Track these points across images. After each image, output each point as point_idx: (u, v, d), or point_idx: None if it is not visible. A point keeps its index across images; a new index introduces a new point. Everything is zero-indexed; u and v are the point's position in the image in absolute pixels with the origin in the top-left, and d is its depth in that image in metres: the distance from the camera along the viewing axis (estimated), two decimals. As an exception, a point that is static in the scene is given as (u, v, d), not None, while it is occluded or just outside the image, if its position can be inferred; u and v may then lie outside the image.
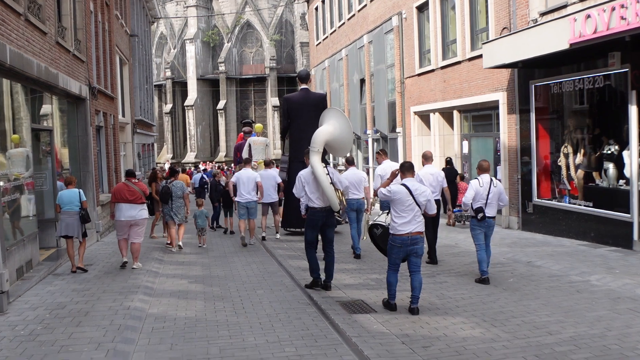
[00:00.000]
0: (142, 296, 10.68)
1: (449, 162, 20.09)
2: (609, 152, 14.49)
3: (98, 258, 14.96)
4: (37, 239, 13.59)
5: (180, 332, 8.50)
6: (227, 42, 71.16)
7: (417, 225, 9.05)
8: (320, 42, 41.44)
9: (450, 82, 21.94)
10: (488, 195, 10.82)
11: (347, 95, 34.90)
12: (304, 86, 17.64)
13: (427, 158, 13.26)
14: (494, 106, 19.21)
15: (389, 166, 13.25)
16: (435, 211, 9.59)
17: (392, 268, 9.32)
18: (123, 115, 29.54)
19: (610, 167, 14.50)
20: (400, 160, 26.24)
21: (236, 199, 16.85)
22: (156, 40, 73.54)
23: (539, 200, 17.01)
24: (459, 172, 20.47)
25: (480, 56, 19.09)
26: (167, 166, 48.97)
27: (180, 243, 16.50)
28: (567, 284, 10.66)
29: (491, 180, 10.97)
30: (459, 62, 21.33)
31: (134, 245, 13.60)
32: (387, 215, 9.78)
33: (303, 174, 10.93)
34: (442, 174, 13.27)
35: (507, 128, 18.30)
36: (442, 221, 16.58)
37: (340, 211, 11.56)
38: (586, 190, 15.43)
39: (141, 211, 13.67)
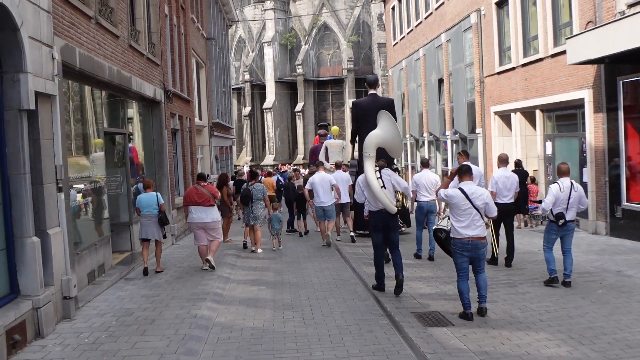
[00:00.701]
0: (210, 303, 10.40)
1: (518, 164, 19.15)
2: None
3: (171, 262, 14.83)
4: (109, 242, 13.54)
5: (246, 344, 8.15)
6: (305, 44, 71.25)
7: (477, 230, 8.91)
8: (397, 42, 40.80)
9: (532, 81, 21.06)
10: (569, 200, 10.55)
11: (424, 96, 34.18)
12: (372, 91, 17.74)
13: (502, 161, 13.10)
14: (578, 105, 18.26)
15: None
16: (495, 214, 9.34)
17: (460, 275, 9.15)
18: (200, 118, 29.66)
19: None
20: (481, 162, 25.50)
21: (315, 204, 17.19)
22: (234, 44, 74.26)
23: (629, 204, 16.01)
24: (530, 174, 20.01)
25: (563, 52, 18.21)
26: (245, 169, 49.26)
27: (258, 249, 16.64)
28: (662, 296, 9.85)
29: (572, 184, 10.68)
30: (541, 59, 20.43)
31: (214, 242, 13.91)
32: (449, 219, 9.48)
33: (361, 178, 11.21)
34: (516, 177, 13.00)
35: (593, 128, 17.33)
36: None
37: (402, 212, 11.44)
38: (681, 193, 14.43)
39: (211, 213, 13.80)
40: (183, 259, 15.33)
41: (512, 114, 23.04)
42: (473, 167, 11.69)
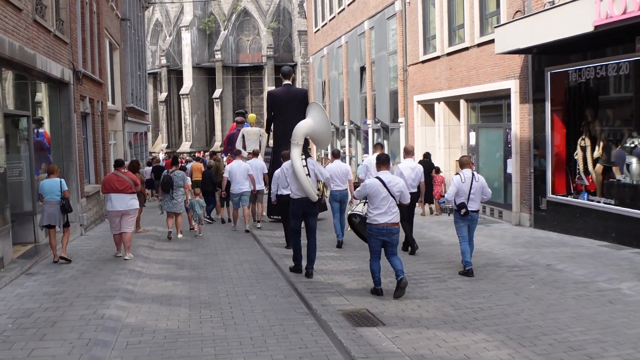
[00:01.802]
0: (120, 302, 9.53)
1: (426, 155, 20.18)
2: (633, 145, 13.35)
3: (79, 254, 13.81)
4: (9, 234, 12.42)
5: (158, 349, 7.36)
6: (224, 30, 69.86)
7: (393, 217, 9.47)
8: (319, 29, 40.19)
9: (457, 70, 20.76)
10: (470, 190, 10.94)
11: (346, 84, 33.73)
12: (286, 82, 18.50)
13: (408, 152, 13.73)
14: (504, 95, 18.02)
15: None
16: (408, 201, 9.94)
17: (373, 256, 9.71)
18: (113, 103, 28.32)
19: (634, 161, 13.34)
20: (402, 152, 25.13)
21: (231, 190, 17.51)
22: (151, 27, 72.18)
23: (554, 196, 15.83)
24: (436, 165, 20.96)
25: (490, 42, 17.93)
26: (161, 156, 47.84)
27: (179, 234, 16.75)
28: (596, 292, 9.50)
29: (473, 175, 11.10)
30: (466, 49, 20.14)
31: (126, 235, 13.39)
32: (364, 205, 10.02)
33: (286, 166, 11.84)
34: (421, 167, 13.70)
35: (519, 119, 17.11)
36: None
37: (321, 201, 12.00)
38: (606, 186, 14.29)
39: (131, 201, 13.41)
40: (92, 251, 14.32)
41: (436, 104, 22.74)
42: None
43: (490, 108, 19.83)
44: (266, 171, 18.12)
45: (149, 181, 27.44)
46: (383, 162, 9.86)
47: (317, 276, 11.14)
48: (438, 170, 20.50)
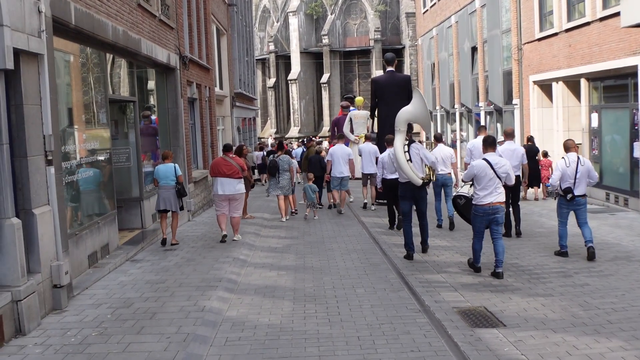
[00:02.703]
0: (222, 292, 9.13)
1: (530, 139, 19.89)
2: None
3: (185, 241, 13.62)
4: (115, 220, 12.31)
5: (259, 348, 6.86)
6: (331, 14, 69.37)
7: (498, 196, 9.72)
8: (427, 10, 39.07)
9: (577, 47, 19.44)
10: (576, 174, 10.73)
11: (456, 65, 32.56)
12: (389, 68, 18.75)
13: (507, 135, 13.65)
14: (631, 73, 16.66)
15: (479, 141, 12.73)
16: (513, 182, 10.19)
17: (477, 236, 9.96)
18: (221, 88, 28.31)
19: None
20: (518, 135, 23.97)
21: (331, 174, 17.99)
22: (259, 14, 72.60)
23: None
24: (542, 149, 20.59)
25: (614, 15, 16.70)
26: (269, 141, 47.97)
27: (296, 209, 17.83)
28: None
29: (578, 158, 10.89)
30: (587, 24, 18.80)
31: (234, 219, 13.70)
32: (470, 187, 10.32)
33: (392, 151, 12.46)
34: (522, 150, 13.48)
35: (647, 98, 15.78)
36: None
37: (427, 185, 11.88)
38: None
39: (238, 185, 13.58)
40: (198, 238, 14.10)
41: (554, 84, 21.44)
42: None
43: (614, 87, 18.44)
44: (379, 155, 17.22)
45: (261, 165, 27.34)
46: (490, 144, 10.18)
47: (429, 268, 10.45)
48: (545, 154, 20.29)
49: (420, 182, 11.26)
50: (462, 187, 11.06)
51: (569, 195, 10.75)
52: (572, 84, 20.48)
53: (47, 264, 8.23)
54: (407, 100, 17.41)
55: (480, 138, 13.23)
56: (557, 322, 7.34)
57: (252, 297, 9.04)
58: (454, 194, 11.52)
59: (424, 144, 31.99)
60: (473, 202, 9.92)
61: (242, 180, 13.76)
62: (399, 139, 11.69)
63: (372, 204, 18.25)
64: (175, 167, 13.18)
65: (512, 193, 12.91)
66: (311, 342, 6.97)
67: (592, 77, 19.07)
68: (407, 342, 6.90)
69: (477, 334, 7.01)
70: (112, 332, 7.33)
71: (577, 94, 20.28)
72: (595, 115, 19.11)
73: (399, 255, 11.54)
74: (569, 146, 11.16)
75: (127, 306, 8.45)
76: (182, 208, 13.40)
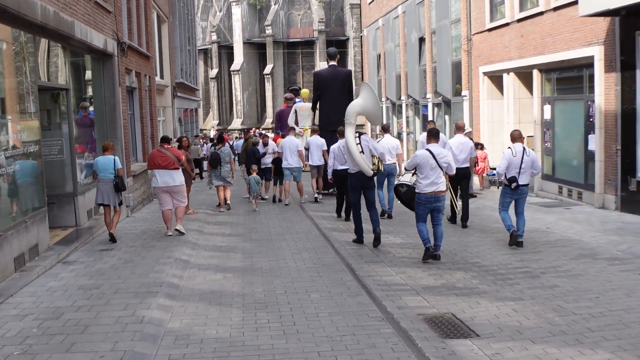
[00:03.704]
0: (163, 299, 8.27)
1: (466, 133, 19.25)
2: None
3: (123, 239, 12.68)
4: (46, 218, 11.30)
5: (206, 367, 6.06)
6: (274, 4, 68.47)
7: (440, 185, 10.14)
8: (373, 0, 38.43)
9: (530, 37, 18.99)
10: (521, 164, 10.98)
11: (403, 57, 31.98)
12: (332, 63, 19.39)
13: (458, 128, 14.08)
14: (586, 63, 16.25)
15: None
16: (454, 172, 10.56)
17: (419, 220, 10.31)
18: (162, 77, 27.24)
19: None
20: (467, 127, 23.56)
21: (282, 165, 18.28)
22: (201, 3, 71.16)
23: (646, 175, 14.14)
24: (480, 142, 21.16)
25: (568, 5, 16.27)
26: (212, 133, 46.89)
27: (229, 202, 17.55)
28: None
29: (524, 149, 11.11)
30: (540, 13, 18.33)
31: (178, 208, 13.52)
32: (412, 175, 10.63)
33: (342, 143, 12.71)
34: (472, 143, 14.03)
35: (604, 89, 15.34)
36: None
37: (375, 175, 12.22)
38: None
39: (175, 177, 13.36)
40: (137, 236, 13.18)
41: (505, 75, 21.00)
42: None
43: (568, 79, 18.02)
44: (325, 147, 17.72)
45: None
46: (434, 135, 10.61)
47: (386, 268, 9.79)
48: (481, 147, 20.48)
49: (371, 172, 11.66)
50: (403, 175, 11.45)
51: (514, 184, 11.03)
52: (524, 75, 20.07)
53: (-37, 271, 7.28)
54: (348, 94, 18.95)
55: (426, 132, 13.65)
56: (534, 331, 6.71)
57: (196, 304, 8.20)
58: (395, 182, 11.96)
59: (370, 134, 31.47)
60: (416, 191, 10.28)
61: (180, 170, 13.54)
62: (350, 131, 11.96)
63: (320, 194, 18.46)
64: (115, 159, 12.62)
65: (462, 184, 13.53)
66: (265, 358, 6.18)
67: (544, 68, 18.64)
68: (374, 357, 6.16)
69: (449, 346, 6.33)
70: (38, 350, 6.41)
71: (529, 85, 19.88)
72: (548, 107, 18.70)
73: (352, 254, 10.88)
74: (515, 136, 11.37)
75: (56, 317, 7.52)
76: (121, 203, 12.80)
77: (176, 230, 13.25)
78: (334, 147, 14.00)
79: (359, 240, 11.82)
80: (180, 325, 7.35)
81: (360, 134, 12.14)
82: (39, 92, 11.65)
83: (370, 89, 12.50)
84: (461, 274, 9.35)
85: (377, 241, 11.43)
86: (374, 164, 11.94)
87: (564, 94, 18.22)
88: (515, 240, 11.04)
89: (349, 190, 12.22)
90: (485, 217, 14.40)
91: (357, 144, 11.74)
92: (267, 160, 19.45)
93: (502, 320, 7.11)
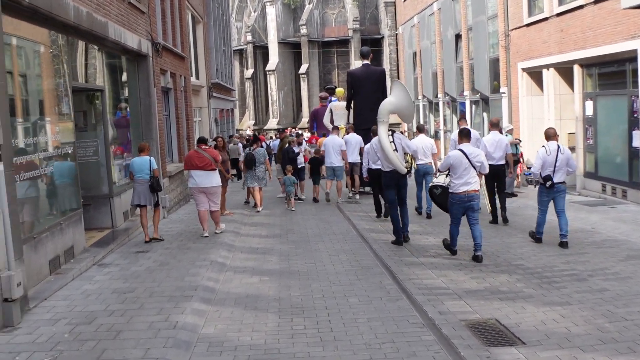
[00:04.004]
0: (197, 304, 8.09)
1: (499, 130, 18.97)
2: None
3: (159, 241, 12.54)
4: (81, 220, 11.22)
5: (240, 376, 5.85)
6: (309, 4, 68.19)
7: (473, 185, 10.14)
8: (408, -3, 38.04)
9: (570, 31, 18.52)
10: (556, 162, 10.88)
11: (439, 54, 31.60)
12: (365, 62, 19.63)
13: (493, 125, 13.94)
14: (629, 57, 15.74)
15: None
16: (487, 171, 10.63)
17: (453, 222, 10.40)
18: (197, 78, 27.18)
19: None
20: (505, 124, 23.14)
21: (325, 164, 18.39)
22: (236, 3, 71.26)
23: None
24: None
25: (609, -2, 15.77)
26: (249, 132, 46.84)
27: (259, 208, 17.29)
28: None
29: (558, 147, 11.00)
30: (581, 7, 17.86)
31: (213, 213, 13.49)
32: (446, 176, 10.70)
33: (374, 142, 12.67)
34: (507, 140, 14.04)
35: (649, 83, 14.88)
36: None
37: (409, 173, 12.29)
38: None
39: (212, 178, 13.29)
40: (173, 237, 13.05)
41: (544, 71, 20.54)
42: (472, 131, 12.85)
43: (610, 74, 17.53)
44: (363, 145, 17.61)
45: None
46: (465, 135, 10.61)
47: (427, 271, 9.50)
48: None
49: (405, 170, 11.80)
50: (438, 176, 11.43)
51: (549, 183, 10.93)
52: (564, 70, 19.60)
53: (-5, 275, 7.17)
54: (382, 92, 18.94)
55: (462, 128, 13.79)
56: (583, 338, 6.38)
57: (231, 309, 8.01)
58: (430, 184, 11.90)
59: (406, 134, 31.16)
60: (450, 191, 10.33)
61: (217, 171, 13.45)
62: (383, 130, 11.95)
63: (356, 193, 18.45)
64: (150, 160, 12.58)
65: (498, 182, 13.51)
66: (302, 368, 5.97)
67: (586, 63, 18.17)
68: (415, 366, 5.92)
69: (493, 354, 6.04)
70: (68, 357, 6.26)
71: (569, 81, 19.41)
72: (589, 103, 18.23)
73: (391, 256, 10.61)
74: (550, 135, 11.30)
75: (88, 322, 7.39)
76: (157, 204, 12.73)
77: (216, 233, 13.31)
78: (366, 146, 14.06)
79: (398, 241, 11.69)
80: (215, 331, 7.16)
81: (393, 132, 12.20)
82: (75, 94, 11.60)
83: (403, 87, 12.51)
84: (505, 276, 9.03)
85: (405, 229, 11.83)
86: (407, 162, 12.13)
87: (607, 89, 17.73)
88: (541, 241, 11.21)
89: (384, 188, 12.24)
90: (528, 216, 14.00)
91: (390, 142, 11.78)
92: (300, 160, 19.65)
93: (549, 327, 6.79)
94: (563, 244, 10.82)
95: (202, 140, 13.95)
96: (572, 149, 19.46)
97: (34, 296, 8.43)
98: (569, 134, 19.74)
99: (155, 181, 12.49)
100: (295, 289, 8.89)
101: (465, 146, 10.34)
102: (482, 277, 9.07)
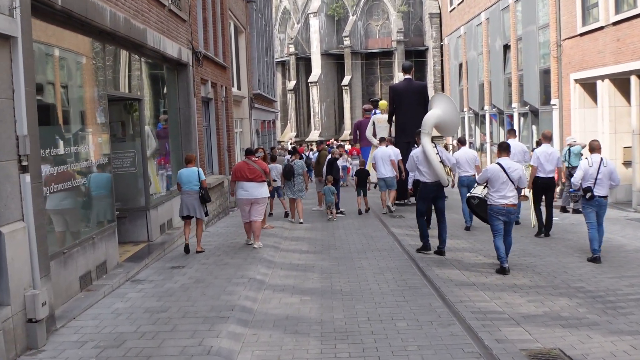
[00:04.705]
0: (234, 326, 7.54)
1: (538, 143, 17.81)
2: None
3: (195, 256, 12.12)
4: (115, 233, 10.78)
5: (278, 412, 5.28)
6: (352, 15, 67.74)
7: (511, 198, 10.21)
8: (454, 7, 37.31)
9: (627, 41, 17.68)
10: (597, 175, 10.85)
11: (486, 65, 30.82)
12: (407, 76, 19.79)
13: (546, 137, 13.89)
14: (692, 67, 14.91)
15: (513, 145, 13.44)
16: (525, 185, 10.70)
17: (495, 235, 10.34)
18: (239, 89, 26.83)
19: None
20: (557, 137, 22.30)
21: (377, 176, 18.16)
22: (279, 15, 71.16)
23: None
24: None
25: (672, 4, 14.94)
26: (289, 145, 46.46)
27: (301, 219, 17.22)
28: None
29: (601, 159, 11.01)
30: (638, 15, 17.04)
31: (254, 223, 13.25)
32: (484, 188, 10.68)
33: (416, 152, 12.22)
34: (558, 153, 14.07)
35: None
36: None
37: (450, 185, 12.45)
38: None
39: (261, 189, 13.26)
40: (211, 252, 12.57)
41: (599, 82, 19.67)
42: (517, 144, 13.96)
43: (671, 84, 16.66)
44: (400, 157, 18.10)
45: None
46: (504, 149, 10.71)
47: (479, 292, 8.85)
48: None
49: (447, 182, 11.95)
50: (475, 187, 11.38)
51: (588, 195, 10.88)
52: (620, 82, 18.74)
53: (20, 294, 6.72)
54: (423, 106, 18.13)
55: (512, 141, 14.48)
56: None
57: (270, 332, 7.45)
58: (467, 195, 11.72)
59: (450, 146, 30.51)
60: (488, 203, 10.39)
61: (265, 184, 13.46)
62: (427, 141, 12.09)
63: (393, 205, 18.28)
64: (199, 171, 12.59)
65: (546, 195, 13.62)
66: (347, 404, 5.38)
67: (644, 74, 17.32)
68: (473, 405, 5.29)
69: (563, 393, 5.39)
70: (92, 386, 5.77)
71: (625, 92, 18.54)
72: (648, 116, 17.35)
73: (440, 275, 9.98)
74: (594, 147, 11.27)
75: (117, 345, 6.89)
76: (207, 214, 12.89)
77: (254, 248, 12.97)
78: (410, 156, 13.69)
79: (425, 247, 11.98)
80: (252, 357, 6.60)
81: (436, 144, 12.37)
82: (112, 103, 11.23)
83: (448, 99, 12.83)
84: (565, 300, 8.33)
85: (442, 244, 11.83)
86: (447, 174, 12.17)
87: (667, 101, 16.83)
88: (600, 260, 10.78)
89: (420, 199, 12.31)
90: (583, 234, 13.09)
91: (436, 154, 11.86)
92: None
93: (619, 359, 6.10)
94: (595, 259, 10.74)
95: (250, 152, 13.89)
96: (629, 163, 18.62)
97: (62, 315, 7.98)
98: (625, 147, 18.86)
99: (206, 192, 12.51)
100: (338, 310, 8.29)
101: (503, 160, 10.44)
102: (540, 300, 8.39)
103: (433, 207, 12.38)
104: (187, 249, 12.42)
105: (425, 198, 12.06)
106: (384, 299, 8.77)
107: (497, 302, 8.34)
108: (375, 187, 20.29)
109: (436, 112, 12.63)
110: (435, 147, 12.12)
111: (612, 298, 8.37)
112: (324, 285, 9.83)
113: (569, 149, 17.75)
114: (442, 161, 11.86)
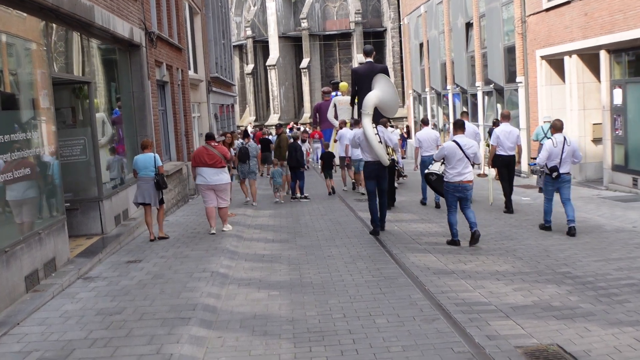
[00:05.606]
0: (196, 329, 6.79)
1: (495, 123, 19.30)
2: None
3: (153, 247, 11.36)
4: (64, 227, 9.93)
5: None
6: (310, -4, 66.86)
7: (467, 175, 10.47)
8: (414, -14, 36.68)
9: (595, 15, 17.21)
10: (562, 154, 11.13)
11: (448, 44, 30.24)
12: (368, 59, 19.45)
13: (504, 117, 14.35)
14: (664, 41, 14.47)
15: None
16: (480, 162, 11.84)
17: (450, 210, 10.69)
18: (195, 72, 25.87)
19: None
20: (522, 116, 21.90)
21: (353, 157, 18.27)
22: (235, -3, 69.91)
23: None
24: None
25: (643, -24, 14.47)
26: (250, 129, 45.61)
27: (254, 202, 17.33)
28: None
29: (564, 139, 11.26)
30: (608, -11, 16.57)
31: (221, 210, 13.11)
32: (441, 165, 11.03)
33: (358, 133, 12.75)
34: (517, 131, 14.50)
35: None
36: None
37: (397, 167, 13.17)
38: None
39: (220, 175, 12.91)
40: (170, 243, 11.79)
41: (566, 58, 19.21)
42: (469, 125, 14.12)
43: (641, 59, 16.24)
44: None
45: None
46: (460, 126, 11.01)
47: (460, 281, 8.25)
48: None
49: (388, 161, 12.31)
50: (432, 164, 11.59)
51: (555, 174, 11.14)
52: (589, 57, 18.30)
53: (-50, 301, 5.90)
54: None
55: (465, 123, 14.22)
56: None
57: (236, 334, 6.71)
58: (425, 171, 12.09)
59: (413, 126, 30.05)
60: (445, 179, 10.65)
61: (226, 169, 13.21)
62: (367, 121, 12.46)
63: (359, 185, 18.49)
64: (155, 157, 12.22)
65: (508, 172, 13.95)
66: (328, 421, 4.69)
67: (614, 49, 16.85)
68: (474, 419, 4.65)
69: (570, 398, 4.78)
70: (33, 408, 5.00)
71: (594, 68, 18.12)
72: (618, 91, 16.90)
73: (416, 263, 9.37)
74: (558, 127, 11.57)
75: (64, 356, 6.09)
76: (162, 202, 12.40)
77: (223, 231, 12.91)
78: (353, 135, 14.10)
79: (375, 231, 11.94)
80: (216, 365, 5.88)
81: (377, 124, 12.85)
82: (58, 87, 10.36)
83: (388, 80, 13.25)
84: (553, 288, 7.76)
85: (383, 221, 12.26)
86: (388, 154, 12.62)
87: (638, 77, 16.40)
88: (550, 229, 11.39)
89: (365, 178, 12.58)
90: (558, 213, 12.55)
91: (375, 134, 12.24)
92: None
93: (627, 356, 5.53)
94: (571, 230, 10.95)
95: (210, 137, 13.51)
96: (598, 140, 18.25)
97: (5, 321, 7.17)
98: (594, 124, 18.48)
99: (161, 178, 12.11)
100: (311, 306, 7.59)
101: (459, 137, 10.64)
102: (527, 288, 7.81)
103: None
104: (152, 239, 12.12)
105: (369, 177, 12.31)
106: (359, 292, 8.09)
107: (481, 292, 7.74)
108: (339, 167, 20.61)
109: (376, 92, 12.95)
110: (376, 127, 12.54)
111: (603, 284, 7.83)
112: (292, 277, 9.12)
113: (549, 126, 17.29)
114: (383, 142, 12.37)
